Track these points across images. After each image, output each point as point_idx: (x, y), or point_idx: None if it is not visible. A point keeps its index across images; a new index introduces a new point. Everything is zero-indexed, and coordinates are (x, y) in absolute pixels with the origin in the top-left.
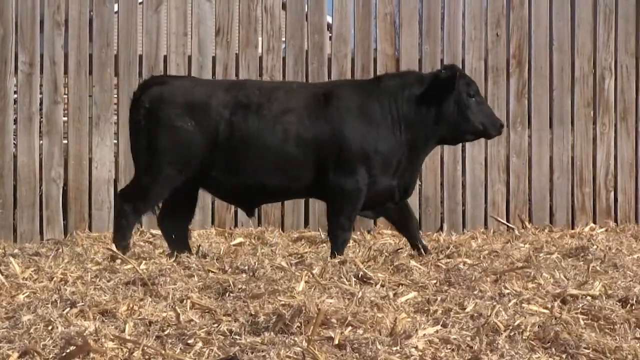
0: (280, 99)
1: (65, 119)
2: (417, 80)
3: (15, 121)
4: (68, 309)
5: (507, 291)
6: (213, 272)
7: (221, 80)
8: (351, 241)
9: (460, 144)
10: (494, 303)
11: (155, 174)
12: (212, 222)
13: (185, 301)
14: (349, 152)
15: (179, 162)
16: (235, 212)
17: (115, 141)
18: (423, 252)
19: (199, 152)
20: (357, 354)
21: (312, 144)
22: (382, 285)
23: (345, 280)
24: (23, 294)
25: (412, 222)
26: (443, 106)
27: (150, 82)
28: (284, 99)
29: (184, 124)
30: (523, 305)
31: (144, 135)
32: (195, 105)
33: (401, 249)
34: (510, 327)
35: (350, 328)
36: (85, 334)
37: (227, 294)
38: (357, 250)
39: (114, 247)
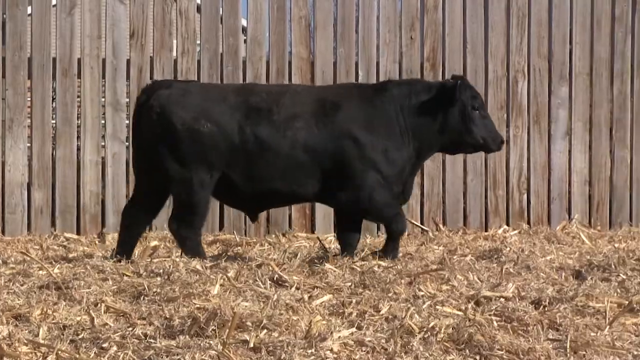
0: (288, 104)
1: None
2: (424, 88)
3: None
4: None
5: (422, 293)
6: (128, 275)
7: (228, 85)
8: (265, 244)
9: None
10: (409, 305)
11: (188, 182)
12: None
13: (99, 305)
14: (363, 159)
15: (206, 164)
16: None
17: (29, 144)
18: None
19: (220, 152)
20: (272, 357)
21: (322, 151)
22: (297, 288)
23: (260, 283)
24: None
25: (356, 235)
26: (447, 116)
27: (156, 86)
28: (292, 104)
29: (201, 127)
30: (437, 307)
31: (163, 143)
32: (208, 107)
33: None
34: (425, 329)
35: (265, 331)
36: None
37: (141, 298)
38: (272, 253)
39: (29, 251)
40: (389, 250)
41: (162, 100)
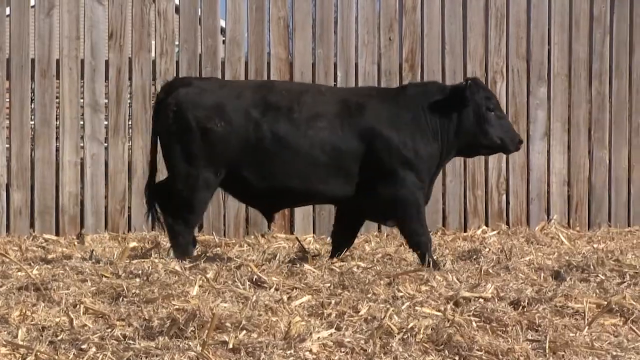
0: (309, 104)
1: None
2: (439, 90)
3: None
4: None
5: (401, 294)
6: (106, 276)
7: (246, 81)
8: (244, 245)
9: None
10: (388, 306)
11: (193, 181)
12: (106, 227)
13: (78, 306)
14: (397, 161)
15: (214, 164)
16: (129, 217)
17: (8, 145)
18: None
19: (231, 153)
20: (251, 358)
21: (348, 152)
22: (277, 289)
23: (239, 284)
24: None
25: (350, 241)
26: (462, 118)
27: (175, 85)
28: (313, 104)
29: (214, 126)
30: (416, 307)
31: (175, 140)
32: (224, 106)
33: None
34: (404, 330)
35: (244, 332)
36: None
37: (120, 299)
38: (251, 254)
39: (9, 252)
40: (426, 263)
41: (179, 98)
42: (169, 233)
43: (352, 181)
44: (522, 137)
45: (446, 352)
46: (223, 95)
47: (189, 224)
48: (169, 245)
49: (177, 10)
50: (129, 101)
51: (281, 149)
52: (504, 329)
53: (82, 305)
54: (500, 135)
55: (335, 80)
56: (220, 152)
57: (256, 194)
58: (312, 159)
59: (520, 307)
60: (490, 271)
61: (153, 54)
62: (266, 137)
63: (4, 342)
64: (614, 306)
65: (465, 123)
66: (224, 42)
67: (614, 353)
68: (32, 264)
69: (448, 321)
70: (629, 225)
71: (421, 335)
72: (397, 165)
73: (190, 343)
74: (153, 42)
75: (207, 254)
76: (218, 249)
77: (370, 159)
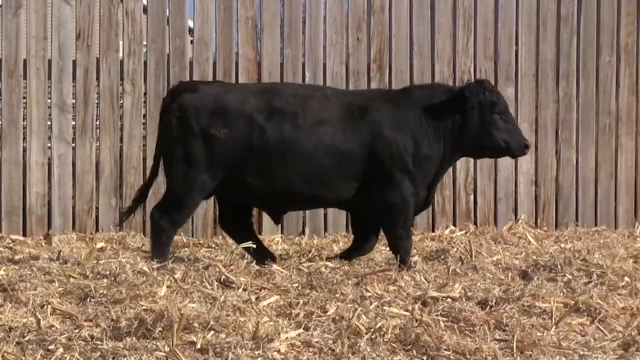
0: (315, 108)
1: None
2: (444, 93)
3: None
4: None
5: (369, 294)
6: (74, 277)
7: (252, 85)
8: (213, 246)
9: None
10: (356, 306)
11: (190, 182)
12: (73, 227)
13: (45, 307)
14: (391, 164)
15: (213, 169)
16: (96, 217)
17: None
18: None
19: (232, 159)
20: (219, 358)
21: (349, 155)
22: (245, 289)
23: (207, 284)
24: None
25: (371, 243)
26: (467, 120)
27: (181, 89)
28: (319, 108)
29: (217, 132)
30: (384, 307)
31: (177, 144)
32: (228, 111)
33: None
34: (372, 330)
35: (212, 332)
36: None
37: (88, 299)
38: (219, 255)
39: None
40: (401, 267)
41: (183, 104)
42: (152, 229)
43: (355, 184)
44: None
45: (414, 351)
46: (228, 101)
47: (174, 222)
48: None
49: (144, 10)
50: (96, 101)
51: (286, 154)
52: (471, 329)
53: (49, 306)
54: (505, 139)
55: (304, 80)
56: (222, 158)
57: (262, 199)
58: (317, 162)
59: (488, 307)
60: (458, 271)
61: (121, 54)
62: (270, 142)
63: None
64: (581, 306)
65: (469, 126)
66: (192, 42)
67: (581, 352)
68: None
69: (416, 321)
70: (596, 225)
71: (389, 335)
72: (394, 168)
73: (158, 343)
74: (121, 42)
75: (175, 255)
76: (186, 249)
77: (370, 161)
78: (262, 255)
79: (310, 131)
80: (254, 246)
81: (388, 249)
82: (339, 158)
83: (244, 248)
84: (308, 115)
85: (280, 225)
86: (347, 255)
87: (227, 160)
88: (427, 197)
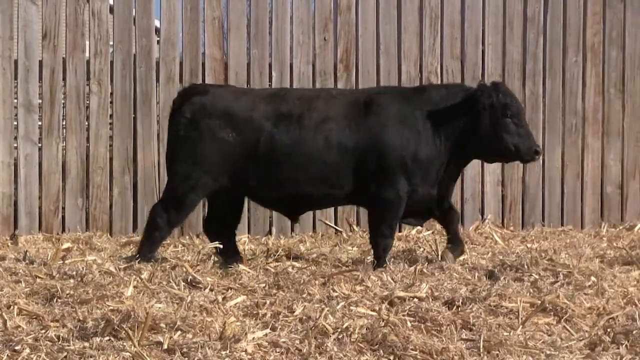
0: (321, 108)
1: None
2: (459, 93)
3: None
4: None
5: (336, 294)
6: (40, 277)
7: (261, 90)
8: (179, 246)
9: None
10: (323, 306)
11: (192, 182)
12: (40, 228)
13: (12, 307)
14: (389, 160)
15: (216, 171)
16: (63, 217)
17: None
18: (454, 249)
19: (238, 163)
20: (186, 359)
21: (353, 152)
22: (211, 290)
23: (174, 284)
24: None
25: (455, 218)
26: (478, 122)
27: (191, 92)
28: (325, 108)
29: (225, 135)
30: (351, 307)
31: (183, 144)
32: (237, 115)
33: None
34: (339, 330)
35: (179, 332)
36: None
37: (55, 300)
38: (186, 255)
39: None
40: (375, 264)
41: (194, 107)
42: (148, 224)
43: (361, 179)
44: None
45: (381, 351)
46: (238, 105)
47: (171, 223)
48: (101, 246)
49: (111, 10)
50: (63, 101)
51: (293, 156)
52: (438, 329)
53: (15, 307)
54: (515, 143)
55: (270, 80)
56: (227, 161)
57: (275, 202)
58: (325, 162)
59: (455, 307)
60: (425, 271)
61: (87, 54)
62: (278, 146)
63: None
64: (547, 305)
65: (479, 127)
66: (158, 42)
67: (548, 352)
68: None
69: (383, 321)
70: (562, 225)
71: (356, 335)
72: (392, 165)
73: (124, 344)
74: (87, 42)
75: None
76: None
77: (373, 158)
78: (231, 257)
79: (315, 131)
80: (221, 246)
81: (354, 248)
82: (346, 156)
83: (214, 248)
84: (314, 116)
85: (247, 225)
86: (449, 241)
87: (236, 164)
88: (441, 197)
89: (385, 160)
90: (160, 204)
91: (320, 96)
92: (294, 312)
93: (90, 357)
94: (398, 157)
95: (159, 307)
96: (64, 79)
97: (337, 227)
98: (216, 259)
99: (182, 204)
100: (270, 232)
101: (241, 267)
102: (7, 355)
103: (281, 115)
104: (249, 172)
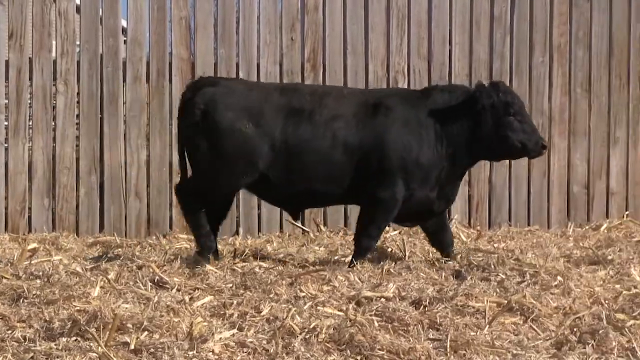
0: (331, 105)
1: None
2: (463, 95)
3: None
4: None
5: (303, 294)
6: (7, 278)
7: (273, 84)
8: (146, 246)
9: None
10: (290, 306)
11: (219, 179)
12: (6, 228)
13: None
14: (389, 162)
15: (242, 165)
16: (29, 218)
17: None
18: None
19: (259, 155)
20: (153, 359)
21: (357, 151)
22: (178, 290)
23: (141, 285)
24: None
25: (447, 234)
26: (481, 123)
27: (201, 84)
28: (334, 105)
29: (242, 127)
30: (318, 307)
31: (202, 139)
32: (252, 107)
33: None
34: (306, 330)
35: (146, 333)
36: None
37: (21, 300)
38: (153, 255)
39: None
40: (353, 262)
41: (207, 97)
42: (191, 226)
43: (362, 179)
44: None
45: (348, 351)
46: (251, 97)
47: (205, 220)
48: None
49: (78, 10)
50: (29, 101)
51: (303, 152)
52: (405, 329)
53: None
54: (521, 139)
55: None
56: (250, 154)
57: (281, 196)
58: (332, 160)
59: (422, 307)
60: (392, 271)
61: (54, 54)
62: (290, 139)
63: None
64: (514, 305)
65: (482, 128)
66: (125, 42)
67: (514, 351)
68: None
69: (350, 321)
70: (528, 225)
71: (323, 335)
72: (394, 168)
73: (91, 344)
74: (54, 42)
75: (109, 255)
76: (119, 249)
77: (375, 159)
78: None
79: (325, 129)
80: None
81: (321, 248)
82: (352, 155)
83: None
84: (324, 112)
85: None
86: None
87: (256, 156)
88: (445, 200)
89: (386, 161)
90: (193, 200)
91: (331, 93)
92: (261, 312)
93: (57, 357)
94: (399, 159)
95: (126, 308)
96: (31, 78)
97: (304, 227)
98: (183, 258)
99: (213, 201)
100: (237, 232)
101: (208, 267)
102: None
103: (293, 109)
104: (270, 164)
